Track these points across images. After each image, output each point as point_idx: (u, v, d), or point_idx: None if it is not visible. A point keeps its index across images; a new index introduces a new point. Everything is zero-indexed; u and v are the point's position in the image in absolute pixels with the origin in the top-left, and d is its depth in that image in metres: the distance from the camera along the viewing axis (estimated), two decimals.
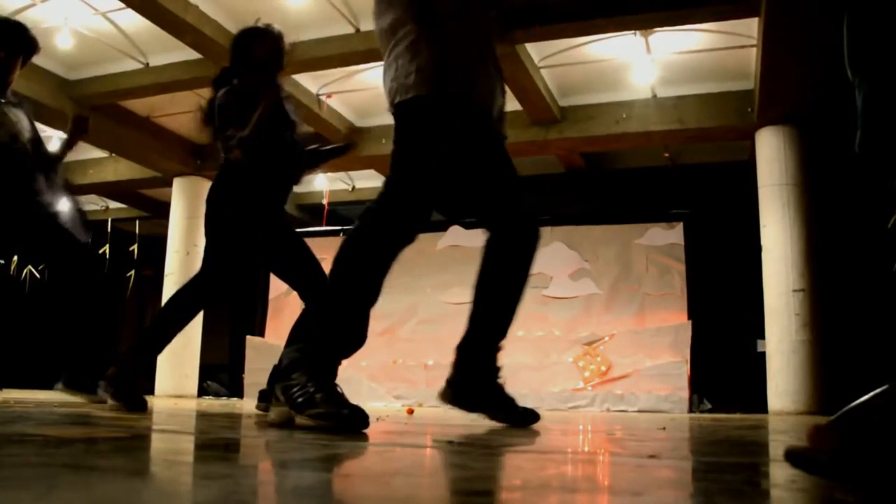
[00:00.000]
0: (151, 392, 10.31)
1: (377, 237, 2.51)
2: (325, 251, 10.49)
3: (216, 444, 1.72)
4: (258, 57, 3.74)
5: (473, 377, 2.79)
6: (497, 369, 2.81)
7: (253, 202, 3.62)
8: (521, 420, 2.80)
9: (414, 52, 2.59)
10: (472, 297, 2.79)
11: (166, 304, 3.82)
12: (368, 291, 2.46)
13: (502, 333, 2.80)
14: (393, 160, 2.61)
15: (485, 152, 2.70)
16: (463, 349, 2.80)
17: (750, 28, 7.42)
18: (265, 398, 4.00)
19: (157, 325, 3.71)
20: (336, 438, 1.88)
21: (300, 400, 2.22)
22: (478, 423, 2.81)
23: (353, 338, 2.43)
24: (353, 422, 2.13)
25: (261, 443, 1.78)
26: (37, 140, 4.17)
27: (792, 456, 1.20)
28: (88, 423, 2.22)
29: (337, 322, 2.42)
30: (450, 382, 2.82)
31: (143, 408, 3.43)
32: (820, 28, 6.13)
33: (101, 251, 12.59)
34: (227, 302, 10.44)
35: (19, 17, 7.65)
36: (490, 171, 2.73)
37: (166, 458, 1.40)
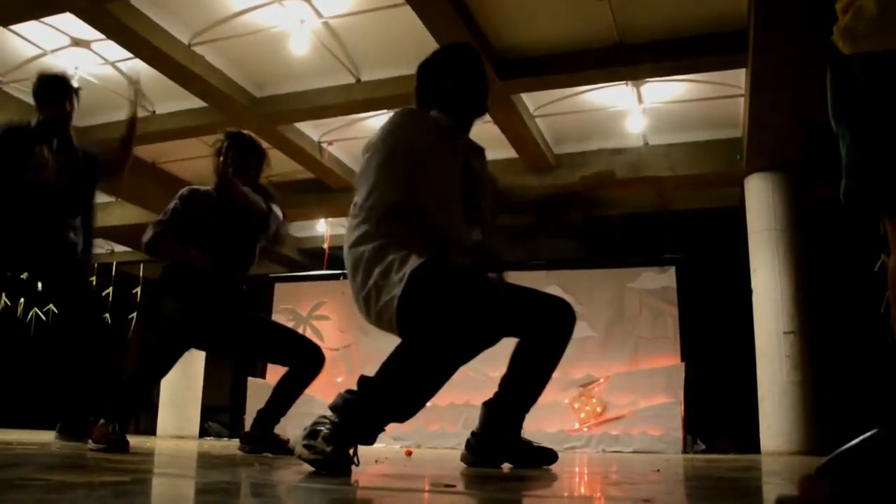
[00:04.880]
0: (153, 432, 10.40)
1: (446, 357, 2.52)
2: (326, 295, 10.64)
3: (216, 489, 1.71)
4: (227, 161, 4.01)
5: (497, 439, 2.87)
6: (520, 424, 2.90)
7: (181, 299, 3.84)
8: (544, 460, 2.92)
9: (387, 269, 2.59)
10: (509, 365, 2.86)
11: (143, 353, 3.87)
12: (442, 380, 2.53)
13: (533, 400, 2.88)
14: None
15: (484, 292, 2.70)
16: (490, 412, 2.89)
17: (738, 78, 7.63)
18: (248, 440, 4.09)
19: (138, 375, 3.79)
20: (332, 482, 1.90)
21: (310, 430, 2.27)
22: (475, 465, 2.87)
23: (409, 411, 2.51)
24: (333, 466, 2.19)
25: (259, 488, 1.80)
26: (78, 183, 4.38)
27: None
28: (90, 467, 2.21)
29: (401, 395, 2.48)
30: (469, 446, 2.93)
31: (124, 449, 3.44)
32: (805, 78, 6.33)
33: (104, 293, 12.76)
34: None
35: (32, 66, 7.94)
36: (499, 298, 2.74)
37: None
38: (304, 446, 2.23)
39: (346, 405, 2.35)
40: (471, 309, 2.51)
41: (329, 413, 2.34)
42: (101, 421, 3.51)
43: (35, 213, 4.17)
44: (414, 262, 2.52)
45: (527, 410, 2.88)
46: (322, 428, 2.26)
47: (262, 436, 4.05)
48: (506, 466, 2.86)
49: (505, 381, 2.88)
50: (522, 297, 2.80)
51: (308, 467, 2.27)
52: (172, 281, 3.89)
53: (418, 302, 2.49)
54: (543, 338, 2.81)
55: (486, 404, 2.92)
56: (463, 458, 2.96)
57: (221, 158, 3.94)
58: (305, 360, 4.12)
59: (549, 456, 2.94)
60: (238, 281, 4.13)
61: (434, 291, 2.49)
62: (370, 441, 2.43)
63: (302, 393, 4.17)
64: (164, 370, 3.84)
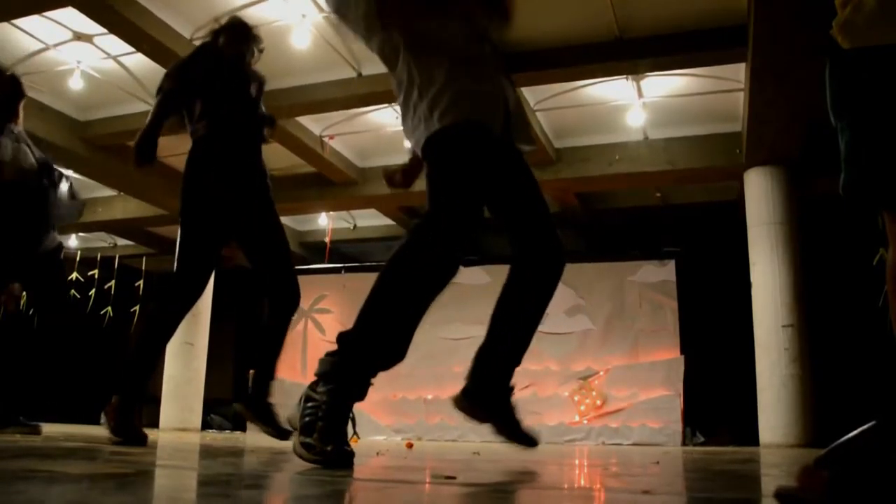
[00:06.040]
0: (156, 425, 10.44)
1: (431, 258, 2.46)
2: (327, 288, 10.68)
3: (218, 480, 1.71)
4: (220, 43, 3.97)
5: (488, 388, 2.81)
6: (510, 388, 2.83)
7: (218, 167, 3.74)
8: (525, 441, 2.83)
9: (424, 91, 2.58)
10: (493, 313, 2.79)
11: (145, 323, 3.76)
12: (416, 311, 2.43)
13: (519, 353, 2.81)
14: (431, 193, 2.56)
15: (505, 172, 2.73)
16: (480, 360, 2.81)
17: (737, 73, 7.68)
18: (249, 404, 3.97)
19: (145, 338, 3.67)
20: (334, 474, 1.89)
21: (306, 420, 2.22)
22: (476, 457, 2.87)
23: (393, 353, 2.40)
24: (333, 462, 2.15)
25: (262, 479, 1.79)
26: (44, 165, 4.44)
27: (782, 497, 1.20)
28: (94, 459, 2.22)
29: (379, 336, 2.38)
30: (465, 391, 2.82)
31: (142, 442, 3.40)
32: (805, 72, 6.36)
33: (106, 286, 12.80)
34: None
35: (34, 60, 7.99)
36: (514, 191, 2.76)
37: (170, 495, 1.42)
38: (303, 445, 2.18)
39: (333, 369, 2.30)
40: (484, 184, 2.55)
41: (317, 389, 2.28)
42: (115, 399, 3.43)
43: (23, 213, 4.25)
44: (450, 112, 2.52)
45: (512, 361, 2.82)
46: (315, 418, 2.21)
47: (258, 401, 3.92)
48: (486, 457, 2.81)
49: (493, 327, 2.81)
50: (533, 208, 2.80)
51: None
52: (209, 154, 3.77)
53: (442, 160, 2.53)
54: (529, 274, 2.77)
55: (479, 351, 2.84)
56: (454, 400, 2.86)
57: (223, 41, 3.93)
58: (284, 300, 3.96)
59: (531, 440, 2.85)
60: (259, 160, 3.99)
61: (460, 160, 2.52)
62: (362, 396, 2.35)
63: (285, 336, 4.02)
64: (203, 275, 3.74)
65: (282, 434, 3.68)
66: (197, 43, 7.36)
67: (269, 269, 3.91)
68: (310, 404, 2.26)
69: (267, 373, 4.02)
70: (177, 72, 3.77)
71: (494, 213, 2.77)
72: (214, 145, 3.76)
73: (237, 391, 11.36)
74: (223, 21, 4.11)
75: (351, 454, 2.19)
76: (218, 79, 3.82)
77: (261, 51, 4.09)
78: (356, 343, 2.34)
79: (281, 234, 3.93)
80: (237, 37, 3.98)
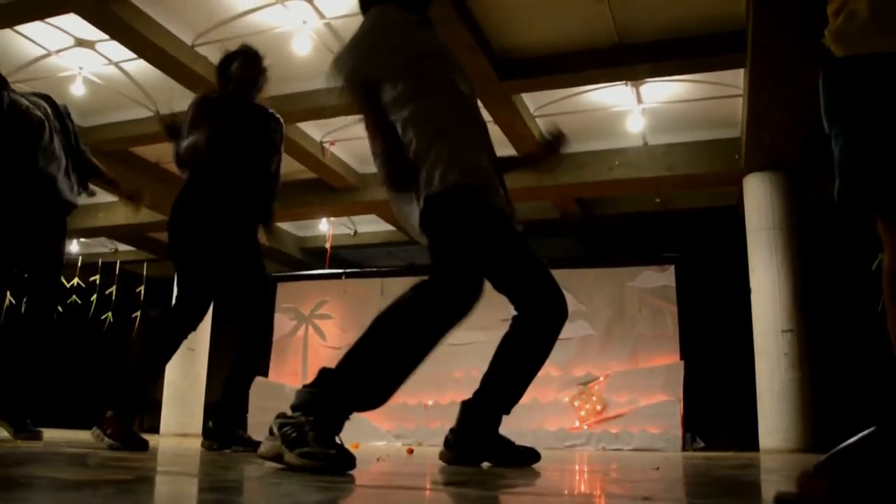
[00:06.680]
0: (157, 430, 10.46)
1: (437, 312, 2.46)
2: (328, 293, 10.67)
3: (219, 487, 1.71)
4: (232, 74, 4.02)
5: (475, 437, 2.83)
6: (498, 423, 2.86)
7: (205, 210, 3.82)
8: (524, 460, 2.85)
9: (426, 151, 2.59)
10: (491, 362, 2.83)
11: (148, 336, 3.82)
12: (412, 362, 2.42)
13: (514, 401, 2.85)
14: (435, 252, 2.56)
15: (509, 238, 2.78)
16: (468, 411, 2.85)
17: (736, 78, 7.69)
18: (210, 436, 4.07)
19: (143, 360, 3.72)
20: (335, 480, 1.88)
21: (293, 436, 2.17)
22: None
23: (372, 400, 2.38)
24: (339, 464, 2.13)
25: (262, 485, 1.78)
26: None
27: (782, 503, 1.21)
28: (94, 465, 2.21)
29: (362, 382, 2.36)
30: (448, 443, 2.86)
31: (143, 447, 3.42)
32: (804, 77, 6.38)
33: (107, 292, 12.83)
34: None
35: (37, 66, 8.03)
36: (516, 251, 2.82)
37: (170, 502, 1.43)
38: (301, 455, 2.13)
39: (311, 399, 2.26)
40: (494, 247, 2.60)
41: (290, 413, 2.25)
42: (110, 413, 3.46)
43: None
44: (452, 175, 2.55)
45: (507, 409, 2.86)
46: (300, 431, 2.17)
47: (223, 430, 4.02)
48: (485, 465, 2.82)
49: (486, 379, 2.85)
50: (536, 265, 2.85)
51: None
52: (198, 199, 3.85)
53: (445, 224, 2.55)
54: (533, 324, 2.81)
55: (465, 402, 2.88)
56: (441, 456, 2.90)
57: (236, 66, 3.99)
58: (252, 345, 4.10)
59: (532, 455, 2.89)
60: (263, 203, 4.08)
61: (466, 224, 2.55)
62: (338, 430, 2.29)
63: (251, 380, 4.15)
64: (201, 306, 3.81)
65: (252, 444, 3.74)
66: (199, 50, 7.42)
67: (243, 308, 4.03)
68: (287, 427, 2.21)
69: (231, 403, 4.11)
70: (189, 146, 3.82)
71: (493, 275, 2.78)
72: (210, 177, 3.85)
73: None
74: (234, 49, 4.16)
75: (353, 456, 2.18)
76: (222, 120, 3.88)
77: (266, 79, 4.16)
78: (337, 383, 2.32)
79: (260, 274, 4.05)
80: (249, 62, 4.05)
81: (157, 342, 3.71)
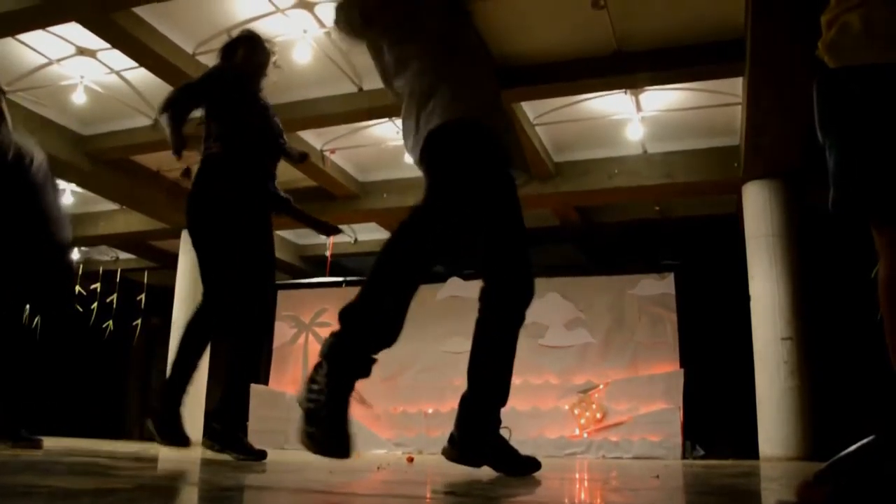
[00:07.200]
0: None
1: (421, 240, 2.58)
2: (328, 301, 10.65)
3: (220, 495, 1.72)
4: (238, 61, 3.99)
5: (476, 434, 2.82)
6: (498, 422, 2.84)
7: (232, 188, 3.78)
8: (524, 469, 2.82)
9: (429, 90, 2.66)
10: (470, 352, 2.84)
11: (183, 335, 3.89)
12: (409, 285, 2.51)
13: (502, 389, 2.83)
14: (429, 187, 2.64)
15: (499, 188, 2.78)
16: (465, 406, 2.84)
17: (735, 87, 7.73)
18: (212, 436, 3.93)
19: (178, 359, 3.84)
20: (337, 487, 1.91)
21: (310, 406, 2.29)
22: (477, 472, 2.81)
23: (389, 328, 2.45)
24: (333, 450, 2.24)
25: (263, 493, 1.80)
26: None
27: None
28: (94, 474, 2.20)
29: (377, 308, 2.45)
30: (451, 440, 2.84)
31: (185, 443, 3.55)
32: (802, 86, 6.31)
33: (108, 300, 12.84)
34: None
35: (38, 75, 8.06)
36: (500, 213, 2.80)
37: None
38: (307, 435, 2.25)
39: (336, 343, 2.37)
40: (484, 186, 2.63)
41: (318, 371, 2.35)
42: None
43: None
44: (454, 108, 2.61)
45: (501, 398, 2.84)
46: (318, 405, 2.27)
47: (225, 432, 3.91)
48: (487, 472, 2.81)
49: (470, 369, 2.85)
50: (517, 235, 2.84)
51: (311, 461, 2.28)
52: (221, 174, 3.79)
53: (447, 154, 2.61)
54: (497, 300, 2.82)
55: (462, 397, 2.87)
56: (444, 452, 2.89)
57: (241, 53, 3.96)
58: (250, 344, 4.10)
59: (533, 465, 2.86)
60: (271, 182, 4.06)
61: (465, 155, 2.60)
62: (366, 372, 2.40)
63: (248, 378, 4.16)
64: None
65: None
66: (200, 59, 7.45)
67: (244, 304, 3.98)
68: (315, 387, 2.32)
69: (231, 404, 4.09)
70: (185, 87, 3.85)
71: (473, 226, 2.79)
72: (226, 162, 3.79)
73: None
74: (236, 34, 4.15)
75: (349, 448, 2.26)
76: (233, 100, 3.85)
77: (277, 66, 4.13)
78: (354, 318, 2.43)
79: (268, 262, 4.01)
80: (255, 48, 4.02)
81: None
